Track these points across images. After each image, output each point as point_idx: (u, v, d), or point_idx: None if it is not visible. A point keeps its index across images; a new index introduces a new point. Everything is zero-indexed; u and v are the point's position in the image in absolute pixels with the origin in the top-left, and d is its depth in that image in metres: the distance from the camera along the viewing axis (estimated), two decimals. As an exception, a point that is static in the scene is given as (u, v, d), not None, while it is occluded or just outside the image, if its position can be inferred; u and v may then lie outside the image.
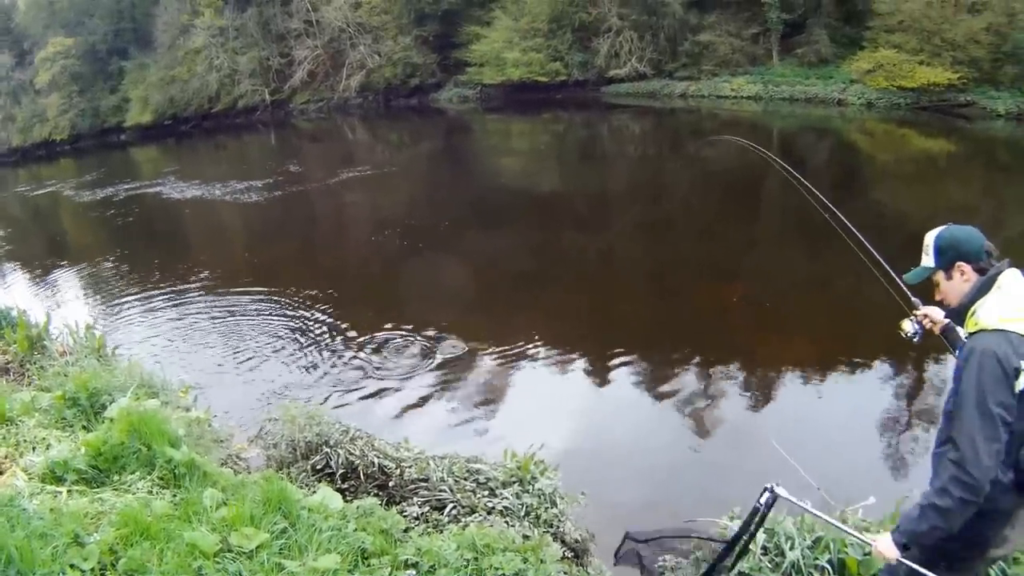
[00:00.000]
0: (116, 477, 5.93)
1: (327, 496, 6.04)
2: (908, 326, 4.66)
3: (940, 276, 3.94)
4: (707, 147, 33.47)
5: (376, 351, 13.64)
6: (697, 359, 12.66)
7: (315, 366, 13.25)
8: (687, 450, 10.13)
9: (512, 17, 57.41)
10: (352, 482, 7.44)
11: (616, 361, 12.81)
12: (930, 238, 3.97)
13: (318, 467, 7.61)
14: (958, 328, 4.34)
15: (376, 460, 7.52)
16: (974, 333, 3.68)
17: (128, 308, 17.88)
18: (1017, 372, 3.45)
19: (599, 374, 12.56)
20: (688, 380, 12.02)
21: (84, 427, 7.52)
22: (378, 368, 12.95)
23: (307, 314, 15.89)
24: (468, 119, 56.51)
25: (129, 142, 67.54)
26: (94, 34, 70.22)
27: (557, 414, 11.03)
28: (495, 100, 58.93)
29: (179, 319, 16.64)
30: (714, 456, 9.91)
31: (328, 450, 7.66)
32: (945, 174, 30.27)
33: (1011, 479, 3.63)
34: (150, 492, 5.76)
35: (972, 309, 3.75)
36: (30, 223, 36.98)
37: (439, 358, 13.13)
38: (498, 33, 57.39)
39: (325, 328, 15.07)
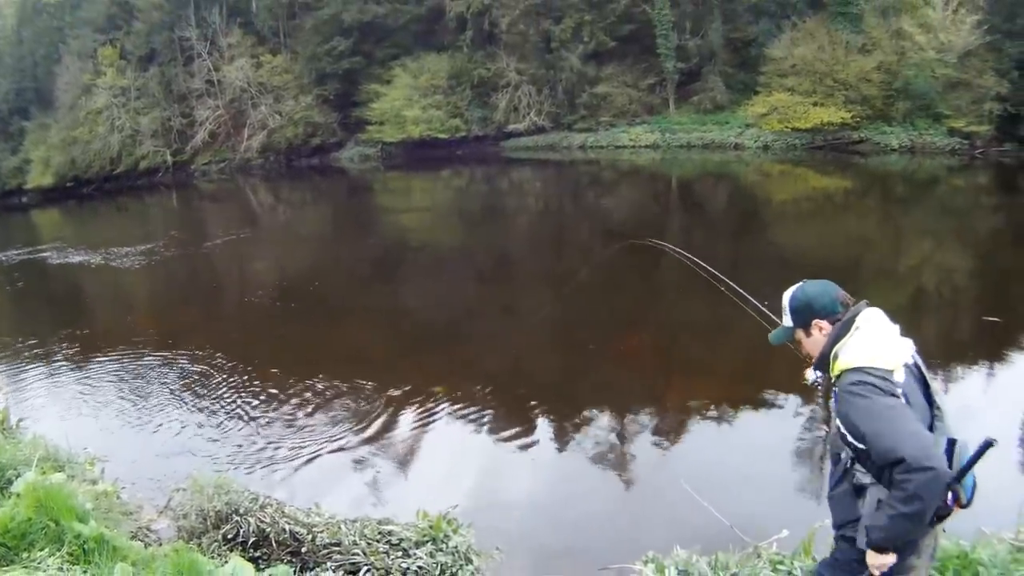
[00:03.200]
0: (25, 554, 5.48)
1: (238, 567, 5.66)
2: (809, 375, 4.04)
3: (801, 335, 3.90)
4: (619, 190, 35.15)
5: (280, 415, 12.71)
6: (606, 408, 12.05)
7: (221, 432, 12.21)
8: (601, 497, 9.60)
9: (412, 75, 55.91)
10: (264, 550, 7.14)
11: (526, 414, 12.09)
12: (785, 300, 3.94)
13: (229, 536, 7.24)
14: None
15: (287, 527, 7.25)
16: (839, 376, 3.60)
17: (29, 377, 16.21)
18: (895, 396, 3.39)
19: (509, 428, 11.69)
20: (599, 429, 11.45)
21: None
22: (285, 432, 12.01)
23: (208, 378, 14.68)
24: (369, 178, 53.78)
25: (30, 204, 63.16)
26: (-6, 93, 66.45)
27: (468, 471, 10.48)
28: (396, 158, 56.97)
29: (82, 387, 15.14)
30: (627, 502, 9.45)
31: (238, 519, 7.32)
32: (842, 209, 30.11)
33: None
34: (60, 569, 5.33)
35: (834, 352, 3.67)
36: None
37: (344, 419, 12.25)
38: (398, 91, 55.71)
39: (227, 392, 13.88)
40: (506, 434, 11.48)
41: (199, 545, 7.02)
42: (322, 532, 7.17)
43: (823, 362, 3.75)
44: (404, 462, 10.81)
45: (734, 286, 5.56)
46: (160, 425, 12.64)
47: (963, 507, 3.44)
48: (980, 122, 38.25)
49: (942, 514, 3.41)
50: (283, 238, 33.91)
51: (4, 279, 29.32)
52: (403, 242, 29.78)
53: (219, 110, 61.01)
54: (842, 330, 3.64)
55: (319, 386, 13.52)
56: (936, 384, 3.59)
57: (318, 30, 57.58)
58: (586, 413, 11.85)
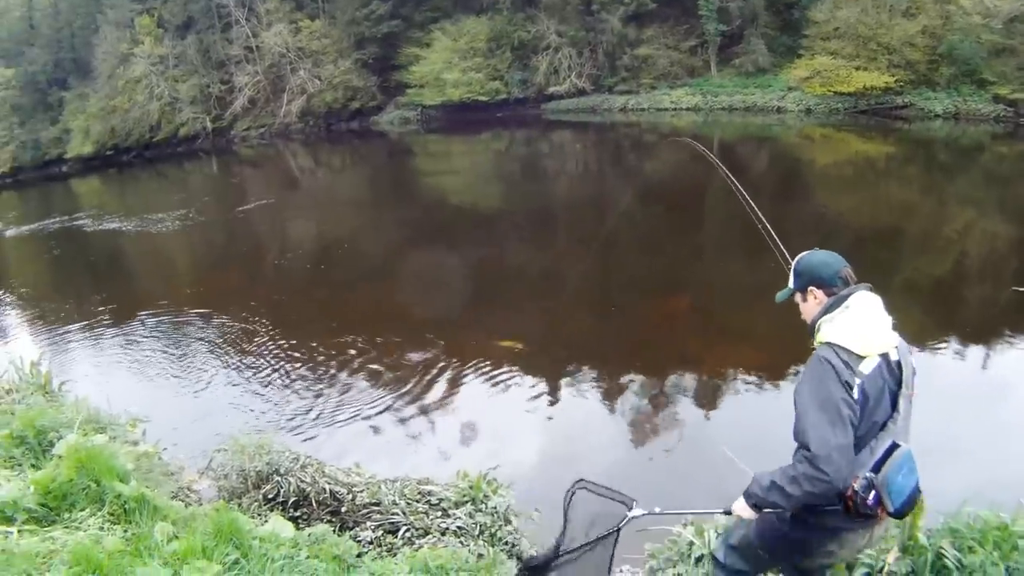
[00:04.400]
0: (66, 515, 5.58)
1: (278, 525, 5.81)
2: None
3: (798, 298, 4.06)
4: (658, 151, 34.31)
5: (320, 376, 13.07)
6: (647, 371, 12.25)
7: (261, 394, 12.63)
8: (641, 461, 9.91)
9: (451, 38, 56.35)
10: (304, 510, 7.22)
11: (566, 377, 12.34)
12: (793, 261, 4.09)
13: (269, 496, 7.34)
14: None
15: (327, 486, 7.32)
16: (817, 346, 3.75)
17: (72, 341, 16.90)
18: (849, 386, 3.48)
19: (549, 390, 11.96)
20: (639, 392, 11.66)
21: (33, 465, 7.12)
22: (325, 392, 12.37)
23: (247, 340, 15.19)
24: (409, 141, 54.28)
25: (71, 173, 63.79)
26: (34, 64, 67.36)
27: (508, 432, 10.75)
28: (436, 121, 57.59)
29: (124, 351, 15.77)
30: (669, 465, 9.65)
31: (278, 479, 7.41)
32: (885, 175, 30.03)
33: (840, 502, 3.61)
34: (101, 528, 5.41)
35: (819, 324, 3.82)
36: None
37: (383, 380, 12.60)
38: (437, 54, 56.25)
39: (268, 354, 14.34)
40: (547, 397, 11.72)
41: (239, 505, 7.16)
42: (362, 492, 7.29)
43: (811, 330, 3.89)
44: (444, 424, 11.07)
45: (766, 223, 5.69)
46: (200, 388, 13.18)
47: (892, 515, 3.59)
48: None
49: (867, 514, 3.52)
50: (322, 201, 34.78)
51: (43, 247, 30.34)
52: (442, 204, 30.43)
53: (258, 76, 61.82)
54: (833, 304, 3.75)
55: (358, 347, 13.97)
56: (911, 389, 3.67)
57: (357, -6, 57.84)
58: (627, 377, 12.04)
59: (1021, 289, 14.48)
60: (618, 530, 5.07)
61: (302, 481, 7.29)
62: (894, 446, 3.54)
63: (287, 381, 12.93)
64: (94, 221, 33.51)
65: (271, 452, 7.64)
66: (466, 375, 12.52)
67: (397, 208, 29.64)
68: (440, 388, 12.14)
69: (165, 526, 5.30)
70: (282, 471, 7.41)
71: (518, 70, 55.32)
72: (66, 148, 66.82)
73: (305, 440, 10.41)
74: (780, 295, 4.19)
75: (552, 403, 11.54)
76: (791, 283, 4.06)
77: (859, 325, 3.62)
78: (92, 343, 16.61)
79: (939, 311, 14.50)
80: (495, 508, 6.89)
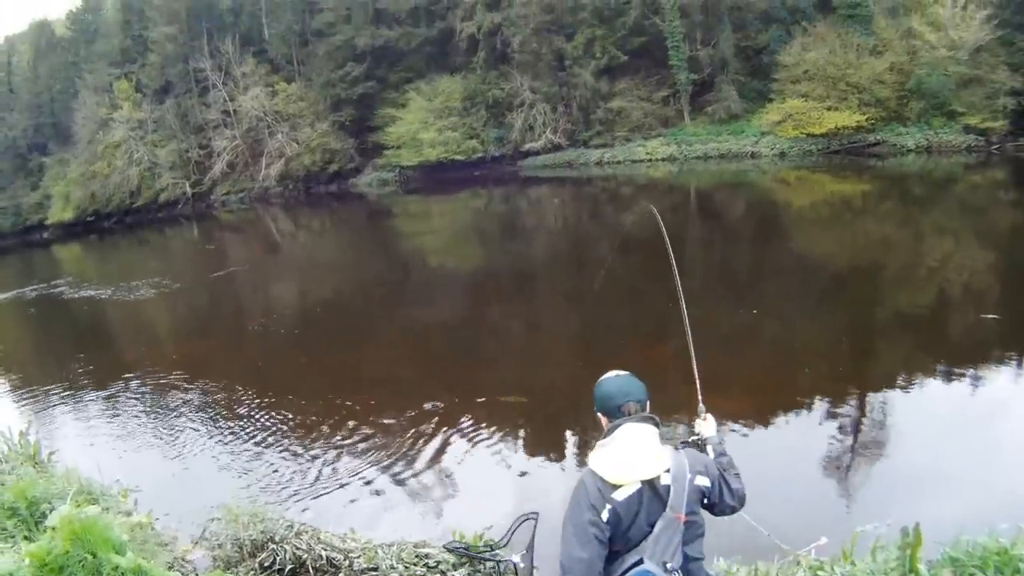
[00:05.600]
0: None
1: None
2: None
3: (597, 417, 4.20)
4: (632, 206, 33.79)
5: (308, 441, 12.94)
6: None
7: (250, 460, 12.41)
8: None
9: (426, 98, 56.99)
10: None
11: (555, 429, 12.46)
12: (597, 383, 4.22)
13: (265, 564, 7.33)
14: None
15: (323, 553, 7.26)
16: (587, 468, 3.96)
17: (55, 408, 16.72)
18: (596, 509, 3.73)
19: (540, 444, 11.96)
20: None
21: (26, 537, 7.12)
22: (315, 457, 12.22)
23: (233, 406, 15.01)
24: (388, 202, 54.77)
25: (52, 240, 64.64)
26: (14, 129, 68.67)
27: (502, 490, 10.58)
28: (415, 181, 57.91)
29: (109, 418, 15.57)
30: None
31: (274, 547, 7.38)
32: (861, 213, 30.34)
33: None
34: None
35: (594, 448, 4.03)
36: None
37: (373, 443, 12.42)
38: (413, 114, 56.80)
39: (254, 419, 14.14)
40: (537, 450, 11.70)
41: (236, 575, 7.25)
42: (359, 557, 7.25)
43: None
44: (435, 484, 10.93)
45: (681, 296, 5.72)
46: (188, 454, 12.99)
47: None
48: (995, 117, 38.59)
49: None
50: (303, 265, 34.83)
51: (22, 314, 30.47)
52: (423, 265, 30.34)
53: (236, 140, 62.46)
54: (606, 434, 4.00)
55: (344, 411, 13.88)
56: (678, 512, 3.78)
57: (331, 56, 58.98)
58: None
59: (990, 317, 15.00)
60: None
61: (298, 548, 7.32)
62: (638, 562, 3.74)
63: (276, 447, 12.82)
64: (71, 288, 33.63)
65: (265, 520, 7.65)
66: (454, 434, 12.41)
67: (378, 270, 29.91)
68: (429, 448, 12.00)
69: (164, 598, 5.38)
70: (277, 539, 7.43)
71: (494, 127, 55.83)
72: (47, 214, 67.67)
73: (298, 506, 10.36)
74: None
75: (544, 455, 11.51)
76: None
77: (616, 457, 3.83)
78: (76, 410, 16.50)
79: (919, 343, 14.61)
80: (493, 569, 6.80)
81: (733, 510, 4.11)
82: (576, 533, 3.73)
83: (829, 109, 42.90)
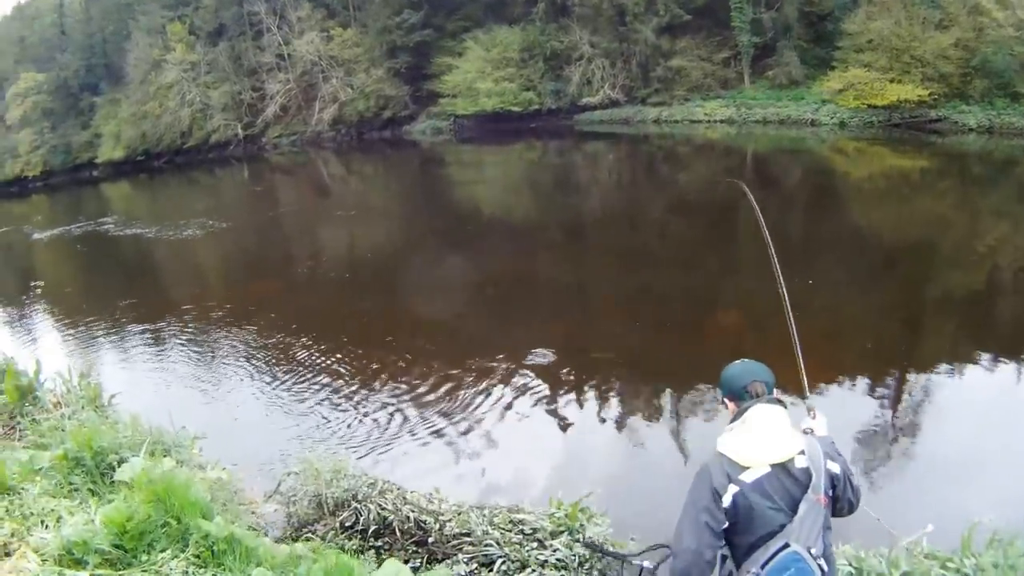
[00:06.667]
0: (144, 557, 5.20)
1: (392, 570, 5.45)
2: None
3: (724, 404, 4.37)
4: (693, 165, 35.05)
5: (371, 391, 12.88)
6: (706, 392, 11.99)
7: (309, 409, 12.44)
8: None
9: (484, 47, 57.38)
10: (386, 539, 7.02)
11: (638, 393, 12.36)
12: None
13: (347, 524, 7.15)
14: None
15: (411, 515, 7.09)
16: (714, 451, 4.07)
17: (109, 350, 17.03)
18: (719, 494, 3.81)
19: (625, 408, 11.90)
20: (714, 408, 11.38)
21: (91, 491, 6.79)
22: (378, 409, 12.15)
23: (287, 351, 15.16)
24: (441, 151, 55.71)
25: (101, 178, 66.31)
26: (66, 69, 69.60)
27: (579, 455, 10.54)
28: (468, 131, 58.68)
29: (164, 361, 15.84)
30: None
31: (357, 505, 7.21)
32: (918, 189, 30.13)
33: None
34: (185, 573, 5.12)
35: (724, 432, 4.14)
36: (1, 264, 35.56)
37: (437, 395, 12.43)
38: (470, 64, 57.24)
39: (312, 367, 14.29)
40: (618, 415, 11.54)
41: (314, 533, 7.07)
42: (450, 520, 6.97)
43: None
44: (515, 444, 10.73)
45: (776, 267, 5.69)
46: (242, 401, 12.98)
47: None
48: None
49: None
50: (353, 209, 35.27)
51: (87, 251, 31.41)
52: (475, 215, 30.99)
53: (289, 84, 63.41)
54: (734, 417, 4.07)
55: (399, 360, 13.89)
56: (820, 494, 3.80)
57: (388, 3, 59.49)
58: (698, 396, 11.80)
59: None
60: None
61: (383, 508, 7.16)
62: (784, 546, 3.75)
63: (332, 395, 12.81)
64: (119, 225, 35.02)
65: (348, 477, 7.56)
66: (529, 392, 12.29)
67: (429, 218, 30.42)
68: (493, 403, 11.94)
69: (264, 572, 5.08)
70: (360, 497, 7.29)
71: (551, 80, 56.08)
72: (97, 153, 69.13)
73: (370, 462, 10.09)
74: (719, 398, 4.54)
75: (627, 420, 11.43)
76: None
77: (747, 437, 3.94)
78: (126, 351, 16.85)
79: (971, 325, 14.60)
80: (593, 538, 6.66)
81: (851, 507, 4.06)
82: (689, 521, 3.82)
83: (892, 81, 42.15)
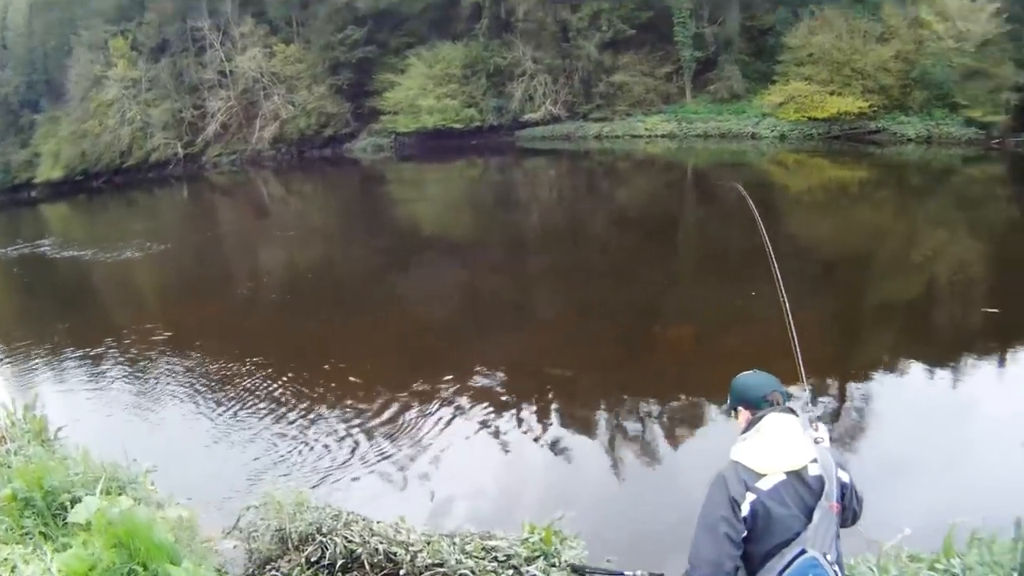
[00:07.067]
0: None
1: None
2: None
3: (732, 414, 4.37)
4: (632, 178, 36.50)
5: (318, 415, 12.59)
6: (664, 404, 12.27)
7: (262, 437, 12.05)
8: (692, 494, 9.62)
9: (427, 64, 56.59)
10: (355, 573, 6.77)
11: (586, 409, 12.31)
12: (732, 381, 4.38)
13: (312, 559, 6.86)
14: None
15: (380, 547, 6.81)
16: (729, 460, 4.04)
17: (53, 379, 16.31)
18: (737, 503, 3.79)
19: (572, 425, 11.78)
20: (674, 419, 11.72)
21: (43, 534, 6.49)
22: (326, 434, 11.85)
23: (242, 378, 14.66)
24: (382, 168, 55.10)
25: (40, 199, 64.13)
26: (6, 86, 67.90)
27: (542, 475, 10.52)
28: (410, 148, 57.73)
29: (109, 389, 15.26)
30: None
31: (323, 539, 6.92)
32: (858, 200, 30.59)
33: None
34: None
35: (737, 440, 4.13)
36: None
37: (382, 418, 12.18)
38: (412, 80, 56.48)
39: (263, 394, 13.83)
40: (575, 431, 11.46)
41: (278, 570, 6.85)
42: (421, 551, 6.74)
43: None
44: (472, 466, 10.63)
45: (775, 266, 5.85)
46: (192, 428, 12.60)
47: None
48: (997, 112, 38.34)
49: None
50: (293, 229, 34.35)
51: (7, 273, 30.47)
52: (416, 233, 30.36)
53: (231, 101, 62.11)
54: (748, 426, 4.10)
55: (350, 384, 13.60)
56: (832, 501, 3.84)
57: (331, 19, 58.53)
58: (654, 409, 11.94)
59: (992, 311, 15.29)
60: None
61: (350, 541, 6.92)
62: (801, 553, 3.72)
63: (281, 423, 12.45)
64: (56, 248, 33.79)
65: (311, 509, 7.27)
66: (471, 413, 12.17)
67: (370, 237, 29.90)
68: (449, 430, 11.69)
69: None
70: (325, 530, 7.03)
71: (493, 97, 55.55)
72: (35, 172, 66.94)
73: (318, 489, 9.68)
74: (724, 409, 4.58)
75: (583, 443, 11.25)
76: (728, 400, 4.40)
77: (763, 446, 3.92)
78: (66, 379, 16.15)
79: (909, 331, 15.00)
80: (569, 563, 6.52)
81: (855, 518, 4.15)
82: (707, 531, 3.81)
83: (832, 94, 42.93)
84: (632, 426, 11.57)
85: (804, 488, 3.84)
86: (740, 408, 4.27)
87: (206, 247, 31.30)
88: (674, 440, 11.16)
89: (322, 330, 17.71)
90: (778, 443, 3.92)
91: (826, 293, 17.57)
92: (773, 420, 4.00)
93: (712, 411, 11.56)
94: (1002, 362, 13.04)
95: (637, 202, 33.51)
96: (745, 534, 3.78)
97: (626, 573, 4.96)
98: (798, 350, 4.95)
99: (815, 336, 13.76)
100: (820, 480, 3.86)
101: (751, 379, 4.31)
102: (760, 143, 44.71)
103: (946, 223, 25.05)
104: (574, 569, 6.23)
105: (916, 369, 12.74)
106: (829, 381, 12.17)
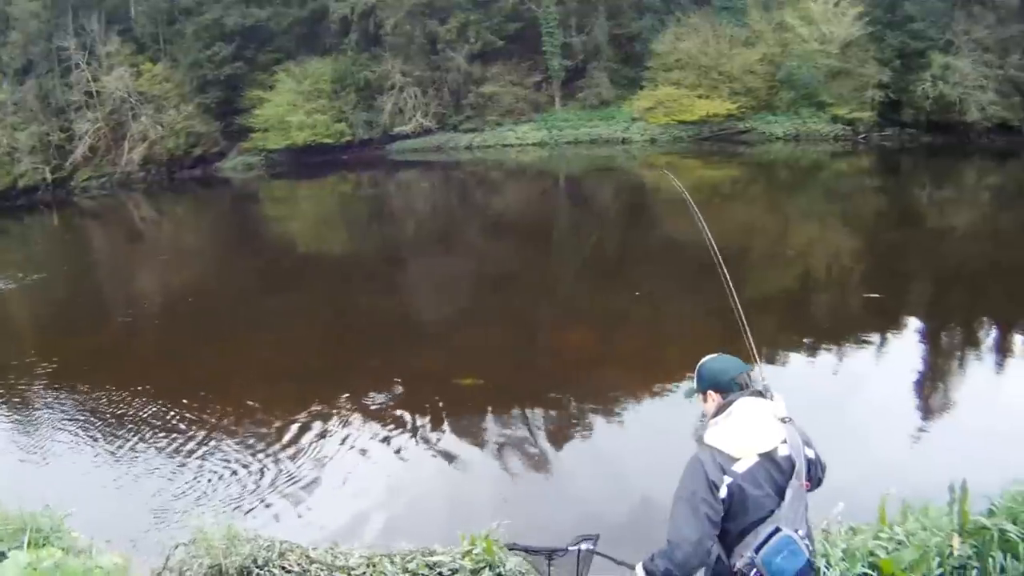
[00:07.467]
0: None
1: None
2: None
3: (699, 399, 4.25)
4: (504, 188, 37.12)
5: (229, 446, 11.56)
6: (573, 403, 12.04)
7: (164, 469, 10.96)
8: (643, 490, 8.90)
9: (295, 79, 53.59)
10: None
11: (493, 415, 11.71)
12: (698, 365, 4.29)
13: None
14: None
15: (321, 574, 6.45)
16: (701, 444, 3.96)
17: None
18: (715, 486, 3.69)
19: (480, 432, 11.31)
20: (582, 421, 11.52)
21: None
22: (239, 465, 10.85)
23: (134, 409, 13.22)
24: (254, 187, 51.40)
25: (-98, 228, 59.23)
26: None
27: (462, 485, 10.03)
28: (281, 166, 54.50)
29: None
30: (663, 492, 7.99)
31: (260, 572, 6.39)
32: (729, 198, 30.61)
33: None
34: None
35: (707, 424, 4.06)
36: None
37: (289, 449, 11.22)
38: (282, 96, 53.21)
39: (158, 424, 12.52)
40: (484, 438, 11.00)
41: None
42: (364, 574, 6.48)
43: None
44: (384, 482, 10.01)
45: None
46: (90, 466, 11.31)
47: None
48: (862, 109, 39.84)
49: None
50: (167, 253, 32.26)
51: None
52: (290, 251, 28.83)
53: (99, 123, 56.86)
54: (719, 410, 3.90)
55: (245, 408, 12.68)
56: (802, 480, 3.72)
57: (199, 36, 54.77)
58: (563, 409, 11.71)
59: (873, 295, 16.03)
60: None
61: (288, 571, 6.53)
62: (775, 531, 3.67)
63: (181, 454, 11.29)
64: None
65: (244, 542, 6.67)
66: (374, 429, 11.51)
67: (246, 257, 28.50)
68: (355, 448, 10.97)
69: None
70: (260, 562, 6.51)
71: (363, 111, 53.07)
72: (-102, 203, 61.07)
73: (241, 521, 8.28)
74: (686, 392, 4.41)
75: (497, 448, 10.74)
76: (694, 384, 4.20)
77: (736, 430, 3.79)
78: None
79: (790, 319, 15.24)
80: (514, 570, 6.22)
81: (819, 483, 4.01)
82: (687, 511, 3.67)
83: (700, 97, 43.14)
84: (544, 427, 11.15)
85: (776, 469, 3.75)
86: (711, 392, 4.06)
87: (82, 275, 28.66)
88: (588, 437, 10.90)
89: (210, 354, 16.47)
90: (751, 427, 3.80)
91: (708, 290, 16.86)
92: (744, 404, 3.87)
93: (627, 405, 11.65)
94: (882, 345, 13.31)
95: (512, 210, 32.74)
96: (723, 514, 3.69)
97: (570, 548, 4.62)
98: (747, 330, 4.53)
99: (705, 330, 13.93)
100: (790, 460, 3.77)
101: (719, 363, 4.14)
102: (631, 147, 44.63)
103: (818, 215, 25.88)
104: (510, 548, 5.55)
105: (796, 353, 12.79)
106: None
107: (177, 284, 25.37)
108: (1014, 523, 5.19)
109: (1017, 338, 13.64)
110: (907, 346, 13.13)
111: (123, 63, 56.65)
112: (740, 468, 3.66)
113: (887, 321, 14.13)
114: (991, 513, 5.34)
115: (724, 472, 3.64)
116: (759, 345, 4.36)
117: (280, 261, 26.57)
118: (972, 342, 13.45)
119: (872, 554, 5.56)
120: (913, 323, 14.27)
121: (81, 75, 56.59)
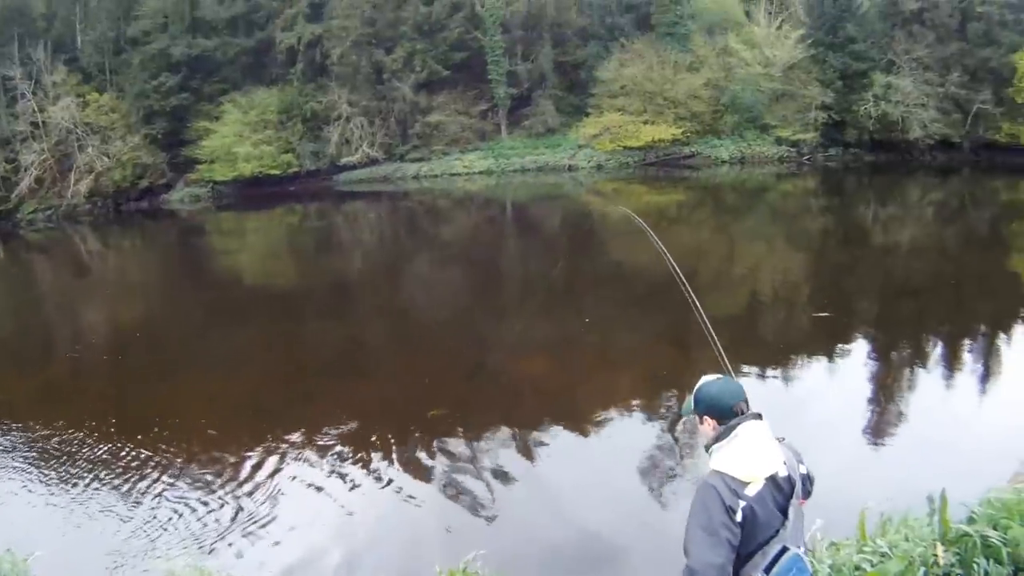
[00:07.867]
0: None
1: None
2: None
3: (697, 420, 4.01)
4: (452, 217, 36.60)
5: (182, 484, 10.84)
6: (535, 429, 11.53)
7: (121, 509, 10.19)
8: (613, 512, 8.93)
9: (241, 110, 50.41)
10: None
11: (455, 444, 11.31)
12: (697, 387, 4.02)
13: None
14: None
15: None
16: (709, 472, 3.78)
17: None
18: (732, 510, 3.48)
19: (446, 462, 10.80)
20: (542, 448, 11.06)
21: None
22: (196, 503, 10.18)
23: (84, 449, 12.52)
24: (201, 219, 48.42)
25: None
26: None
27: (429, 518, 9.41)
28: (228, 197, 51.37)
29: None
30: (641, 511, 8.96)
31: None
32: (676, 222, 29.76)
33: None
34: None
35: (711, 450, 3.80)
36: None
37: (245, 485, 10.60)
38: (228, 127, 49.89)
39: (111, 463, 11.77)
40: (450, 469, 10.61)
41: None
42: None
43: (707, 450, 3.83)
44: (353, 519, 9.54)
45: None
46: (43, 510, 10.61)
47: None
48: (806, 130, 38.84)
49: None
50: (114, 287, 30.46)
51: None
52: (237, 284, 27.79)
53: (44, 153, 53.14)
54: (723, 434, 3.68)
55: (198, 445, 12.10)
56: (799, 498, 3.61)
57: (145, 66, 51.60)
58: (528, 437, 11.26)
59: (823, 314, 15.50)
60: None
61: None
62: (783, 550, 3.58)
63: (133, 493, 10.72)
64: None
65: None
66: (333, 464, 11.04)
67: (193, 291, 27.22)
68: (314, 484, 10.48)
69: None
70: None
71: (310, 141, 50.16)
72: None
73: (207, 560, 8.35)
74: (683, 409, 4.13)
75: (461, 479, 10.34)
76: (691, 405, 3.94)
77: (744, 454, 3.62)
78: None
79: (736, 338, 13.84)
80: None
81: (809, 495, 3.86)
82: (708, 537, 3.45)
83: (646, 123, 41.54)
84: (508, 455, 10.76)
85: (778, 490, 3.61)
86: (707, 417, 3.80)
87: (28, 310, 26.94)
88: (552, 462, 10.50)
89: (161, 390, 15.49)
90: (758, 452, 3.61)
91: (656, 315, 16.69)
92: (749, 429, 3.64)
93: (591, 430, 11.36)
94: (832, 363, 13.18)
95: (459, 239, 31.66)
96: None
97: None
98: (718, 343, 4.42)
99: (642, 353, 14.51)
100: (790, 481, 3.65)
101: (719, 387, 3.83)
102: (577, 174, 42.94)
103: (765, 237, 25.13)
104: None
105: (752, 380, 11.98)
106: (655, 394, 12.20)
107: (126, 318, 24.07)
108: (995, 529, 5.20)
109: (963, 349, 13.73)
110: (857, 363, 13.04)
111: (69, 93, 52.77)
112: (751, 492, 3.47)
113: (836, 339, 14.05)
114: (971, 520, 5.35)
115: (738, 496, 3.45)
116: (713, 366, 4.03)
117: (228, 294, 25.31)
118: (921, 356, 13.54)
119: (858, 568, 5.56)
120: (861, 340, 14.23)
121: (27, 105, 52.62)
